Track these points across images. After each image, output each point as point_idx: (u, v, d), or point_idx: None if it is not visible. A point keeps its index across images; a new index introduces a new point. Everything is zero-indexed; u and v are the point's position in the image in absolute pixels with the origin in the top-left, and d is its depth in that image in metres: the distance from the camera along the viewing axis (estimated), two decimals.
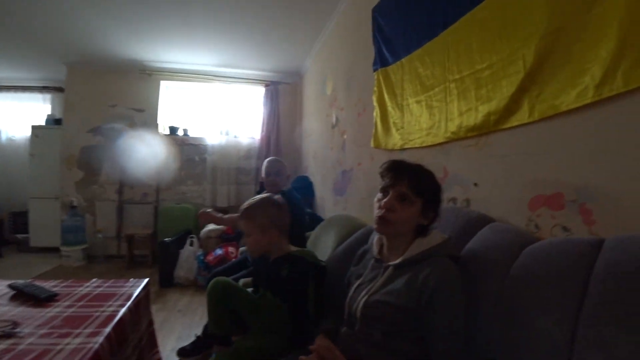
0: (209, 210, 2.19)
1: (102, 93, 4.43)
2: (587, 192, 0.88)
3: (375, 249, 1.05)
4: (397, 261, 0.94)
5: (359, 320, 0.95)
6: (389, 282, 0.94)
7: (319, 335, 1.05)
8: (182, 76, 4.57)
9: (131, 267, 4.02)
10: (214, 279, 1.41)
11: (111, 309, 1.30)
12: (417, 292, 0.85)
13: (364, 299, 0.95)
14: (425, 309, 0.84)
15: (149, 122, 4.51)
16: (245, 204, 1.37)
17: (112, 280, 1.63)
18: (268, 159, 2.27)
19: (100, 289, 1.52)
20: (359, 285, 1.02)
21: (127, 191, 4.46)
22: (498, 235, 0.99)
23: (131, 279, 1.64)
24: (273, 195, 1.49)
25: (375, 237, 1.09)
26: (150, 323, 1.65)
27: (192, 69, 4.54)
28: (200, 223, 2.14)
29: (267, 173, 2.19)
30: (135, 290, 1.51)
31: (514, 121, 1.10)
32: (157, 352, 1.65)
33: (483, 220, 1.11)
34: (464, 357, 0.84)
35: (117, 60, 4.27)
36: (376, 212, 0.97)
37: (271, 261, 1.37)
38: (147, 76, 4.45)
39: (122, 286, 1.55)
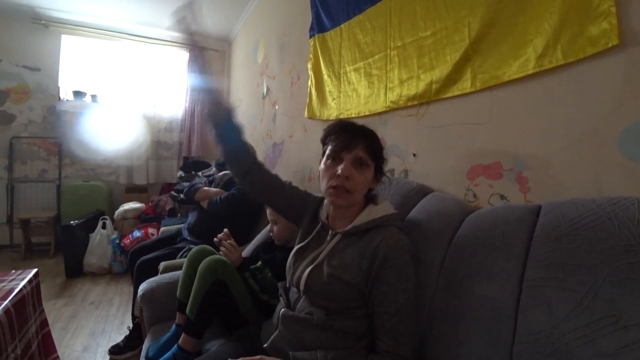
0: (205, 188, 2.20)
1: None
2: (523, 161, 0.90)
3: (324, 213, 0.96)
4: (347, 228, 0.86)
5: (302, 292, 0.87)
6: (336, 252, 0.86)
7: None
8: (89, 31, 3.81)
9: (29, 257, 3.39)
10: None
11: None
12: (367, 263, 0.79)
13: (308, 269, 0.86)
14: (374, 280, 0.78)
15: (47, 84, 3.71)
16: None
17: None
18: None
19: None
20: (301, 248, 0.93)
21: (20, 168, 3.64)
22: (440, 205, 0.99)
23: (13, 271, 1.32)
24: None
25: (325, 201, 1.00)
26: (44, 325, 1.36)
27: (101, 24, 3.83)
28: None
29: None
30: (18, 284, 1.21)
31: (456, 90, 1.09)
32: (57, 358, 1.38)
33: (423, 191, 1.10)
34: (415, 332, 0.80)
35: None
36: (329, 182, 0.86)
37: (280, 247, 1.34)
38: (44, 27, 3.63)
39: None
